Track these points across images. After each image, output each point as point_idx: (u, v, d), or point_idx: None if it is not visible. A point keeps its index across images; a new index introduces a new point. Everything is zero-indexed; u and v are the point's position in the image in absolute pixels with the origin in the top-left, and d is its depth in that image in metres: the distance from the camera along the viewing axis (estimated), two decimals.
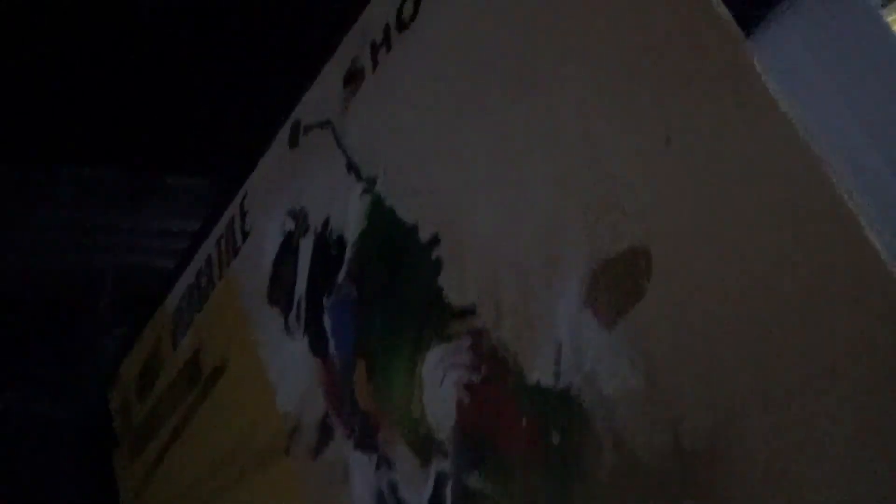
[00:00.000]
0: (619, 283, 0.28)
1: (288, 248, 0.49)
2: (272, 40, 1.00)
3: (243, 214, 0.56)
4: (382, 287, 0.39)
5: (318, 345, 0.45)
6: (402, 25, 0.41)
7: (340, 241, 0.43)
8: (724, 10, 0.25)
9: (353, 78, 0.44)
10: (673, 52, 0.26)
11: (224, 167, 1.04)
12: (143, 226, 1.00)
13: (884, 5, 0.53)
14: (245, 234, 0.54)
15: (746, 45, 0.25)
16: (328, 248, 0.44)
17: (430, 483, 0.35)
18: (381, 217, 0.40)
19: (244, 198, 0.56)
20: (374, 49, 0.43)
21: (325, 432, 0.42)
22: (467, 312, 0.35)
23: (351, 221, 0.43)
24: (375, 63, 0.43)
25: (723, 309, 0.25)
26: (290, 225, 0.49)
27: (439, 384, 0.36)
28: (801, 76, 0.47)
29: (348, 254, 0.43)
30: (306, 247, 0.47)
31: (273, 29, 0.97)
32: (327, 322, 0.44)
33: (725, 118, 0.25)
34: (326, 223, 0.45)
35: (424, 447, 0.36)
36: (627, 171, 0.28)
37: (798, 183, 0.24)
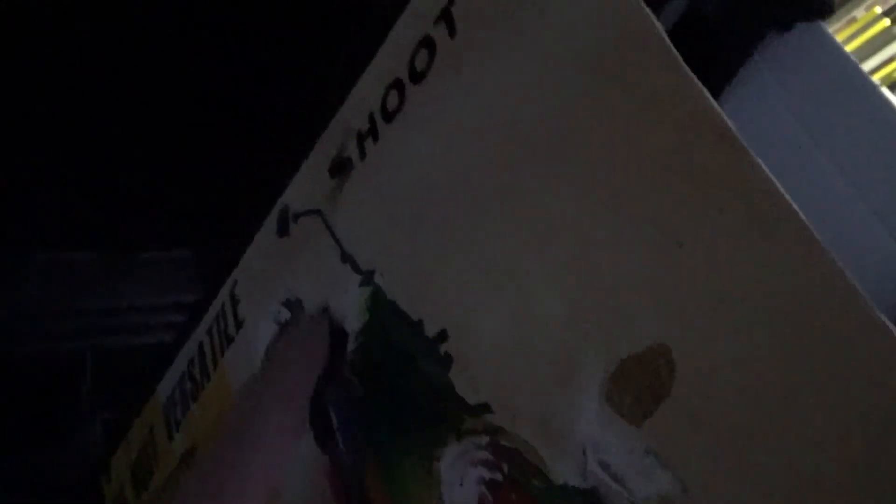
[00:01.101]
0: (641, 383, 0.28)
1: (283, 336, 0.48)
2: (245, 105, 1.00)
3: (234, 303, 0.55)
4: (390, 382, 0.39)
5: (324, 441, 0.44)
6: (388, 116, 0.41)
7: (341, 333, 0.43)
8: (730, 125, 0.25)
9: (340, 168, 0.44)
10: (682, 164, 0.26)
11: (203, 236, 1.03)
12: (120, 305, 0.99)
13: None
14: (238, 324, 0.53)
15: (753, 158, 0.25)
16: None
17: None
18: (382, 310, 0.40)
19: (234, 286, 0.55)
20: (361, 138, 0.43)
21: None
22: (483, 409, 0.34)
23: (350, 313, 0.42)
24: (363, 153, 0.42)
25: (749, 406, 0.25)
26: (286, 315, 0.48)
27: (459, 483, 0.35)
28: (777, 127, 0.48)
29: (350, 346, 0.42)
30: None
31: (246, 95, 0.97)
32: (333, 417, 0.43)
33: (737, 224, 0.25)
34: (324, 313, 0.44)
35: None
36: (640, 273, 0.28)
37: (809, 275, 0.24)
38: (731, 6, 0.46)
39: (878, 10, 1.52)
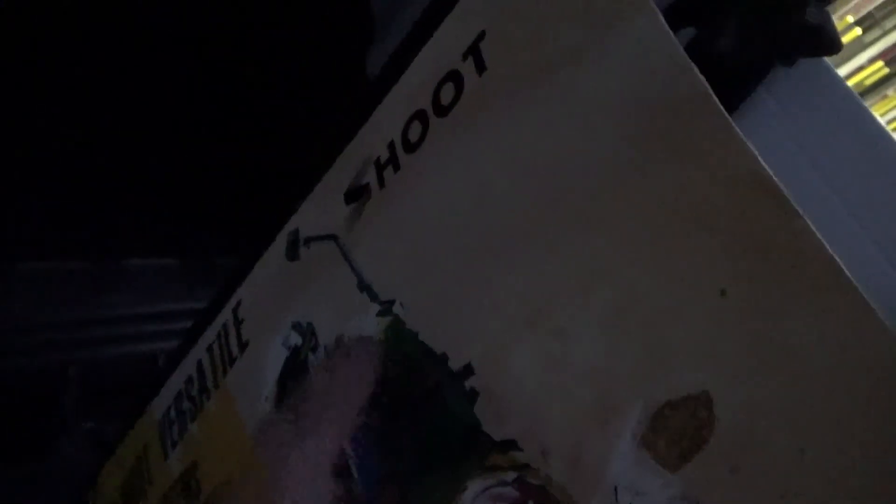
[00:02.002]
0: (680, 429, 0.28)
1: (295, 364, 0.48)
2: (234, 116, 0.99)
3: (238, 323, 0.54)
4: (411, 414, 0.39)
5: (337, 468, 0.44)
6: (409, 147, 0.41)
7: None
8: (780, 186, 0.26)
9: (357, 194, 0.44)
10: (730, 219, 0.26)
11: (191, 245, 1.02)
12: (106, 315, 0.97)
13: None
14: (243, 345, 0.53)
15: (798, 213, 0.25)
16: None
17: None
18: (403, 341, 0.40)
19: (237, 306, 0.55)
20: (380, 167, 0.43)
21: None
22: (510, 446, 0.34)
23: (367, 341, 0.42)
24: (382, 181, 0.42)
25: (791, 459, 0.25)
26: (296, 339, 0.48)
27: None
28: (780, 158, 0.49)
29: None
30: (317, 363, 0.46)
31: (237, 108, 0.96)
32: (347, 445, 0.43)
33: (781, 276, 0.26)
34: (340, 341, 0.44)
35: None
36: (681, 320, 0.28)
37: (858, 335, 0.24)
38: (738, 40, 0.46)
39: (850, 19, 1.55)
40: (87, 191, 0.96)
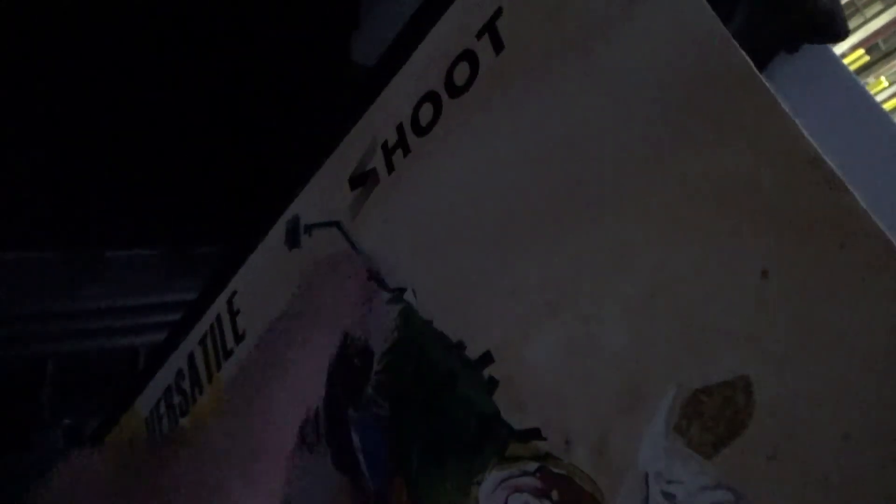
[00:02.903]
0: (716, 415, 0.28)
1: None
2: (217, 104, 0.96)
3: (233, 314, 0.53)
4: (424, 404, 0.38)
5: (343, 460, 0.43)
6: (420, 130, 0.39)
7: (365, 351, 0.41)
8: (822, 156, 0.25)
9: (363, 179, 0.43)
10: (772, 196, 0.26)
11: (170, 235, 0.99)
12: (83, 307, 0.95)
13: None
14: (239, 337, 0.51)
15: (848, 189, 0.25)
16: (350, 358, 0.42)
17: None
18: (415, 329, 0.39)
19: (232, 296, 0.53)
20: (388, 150, 0.41)
21: None
22: (532, 435, 0.33)
23: (376, 332, 0.41)
24: (391, 166, 0.41)
25: (835, 445, 0.25)
26: None
27: None
28: None
29: (376, 366, 0.41)
30: None
31: (219, 95, 0.94)
32: (355, 437, 0.42)
33: (828, 256, 0.25)
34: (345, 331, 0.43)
35: None
36: (718, 302, 0.27)
37: None
38: (747, 25, 0.46)
39: None
40: (63, 180, 0.94)
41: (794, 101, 0.50)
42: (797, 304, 0.26)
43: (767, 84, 0.26)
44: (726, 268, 0.27)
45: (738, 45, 0.27)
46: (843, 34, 0.47)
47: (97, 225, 0.98)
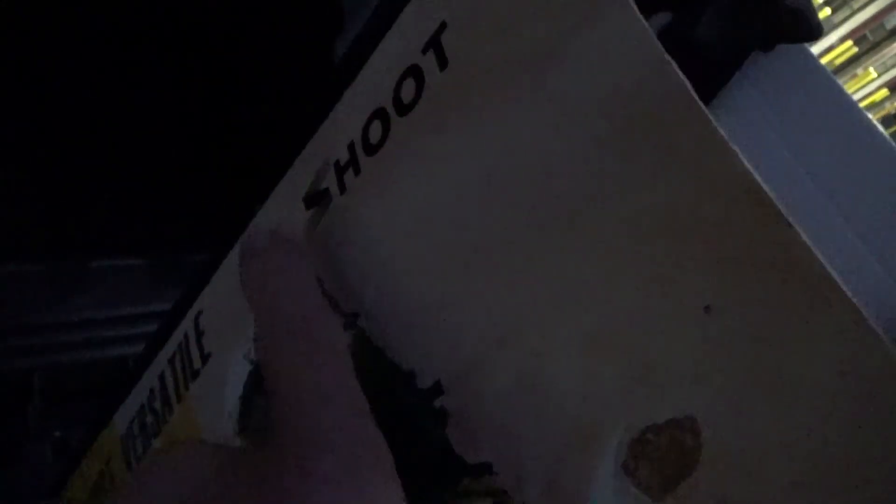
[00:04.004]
0: (663, 455, 0.26)
1: (259, 380, 0.45)
2: (202, 111, 0.95)
3: (199, 334, 0.52)
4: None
5: None
6: (370, 149, 0.38)
7: None
8: (761, 186, 0.23)
9: (317, 199, 0.41)
10: (713, 229, 0.24)
11: (157, 244, 0.98)
12: (70, 319, 0.94)
13: None
14: (204, 357, 0.50)
15: (788, 222, 0.23)
16: None
17: None
18: (368, 357, 0.37)
19: (198, 315, 0.52)
20: (340, 170, 0.40)
21: None
22: (483, 469, 0.32)
23: None
24: (342, 186, 0.40)
25: (786, 491, 0.23)
26: None
27: None
28: (759, 145, 0.47)
29: None
30: None
31: (204, 101, 0.93)
32: None
33: (771, 291, 0.23)
34: None
35: None
36: (663, 339, 0.26)
37: (851, 345, 0.22)
38: (717, 25, 0.44)
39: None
40: (44, 188, 0.93)
41: (769, 101, 0.48)
42: (741, 342, 0.24)
43: (707, 112, 0.25)
44: (670, 302, 0.26)
45: (677, 71, 0.25)
46: (815, 34, 0.45)
47: (81, 234, 0.97)
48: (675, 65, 0.25)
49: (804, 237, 0.23)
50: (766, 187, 0.24)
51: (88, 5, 0.82)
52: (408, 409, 0.35)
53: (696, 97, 0.25)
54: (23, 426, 0.91)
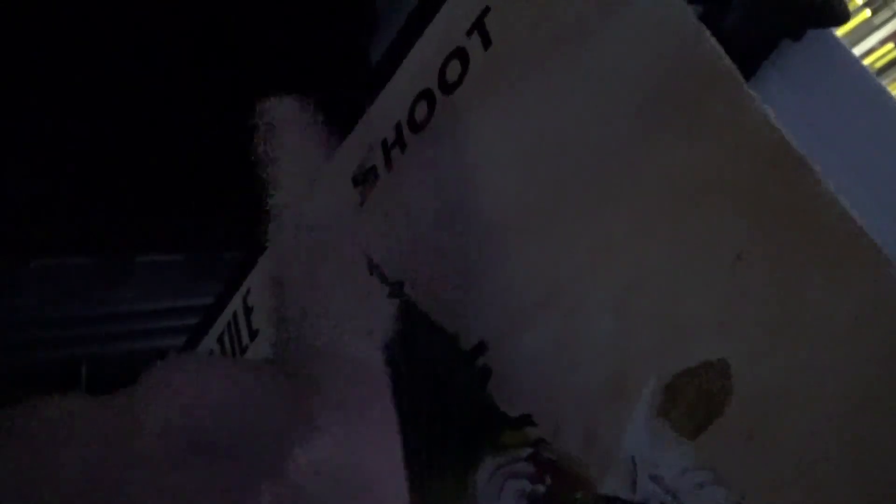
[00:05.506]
0: (696, 397, 0.28)
1: None
2: (241, 108, 0.98)
3: (248, 311, 0.54)
4: (421, 395, 0.39)
5: None
6: (415, 127, 0.40)
7: None
8: (793, 146, 0.25)
9: (365, 177, 0.44)
10: (747, 185, 0.26)
11: (199, 239, 1.02)
12: (116, 311, 0.97)
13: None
14: (253, 333, 0.53)
15: (819, 178, 0.25)
16: None
17: None
18: (413, 322, 0.39)
19: (247, 294, 0.55)
20: (386, 148, 0.42)
21: None
22: (524, 421, 0.34)
23: (377, 325, 0.42)
24: (389, 163, 0.42)
25: (810, 423, 0.25)
26: None
27: (497, 496, 0.35)
28: (789, 133, 0.48)
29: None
30: None
31: (243, 100, 0.96)
32: None
33: (801, 241, 0.25)
34: None
35: None
36: (696, 288, 0.28)
37: (877, 291, 0.24)
38: (745, 14, 0.46)
39: (859, 1, 1.53)
40: (95, 187, 0.96)
41: (799, 90, 0.50)
42: (771, 288, 0.26)
43: (739, 74, 0.27)
44: (702, 252, 0.28)
45: (710, 36, 0.27)
46: (842, 18, 0.47)
47: (127, 231, 1.01)
48: (708, 31, 0.27)
49: (832, 188, 0.25)
50: (795, 143, 0.26)
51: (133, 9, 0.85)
52: (453, 369, 0.37)
53: (730, 60, 0.27)
54: None
